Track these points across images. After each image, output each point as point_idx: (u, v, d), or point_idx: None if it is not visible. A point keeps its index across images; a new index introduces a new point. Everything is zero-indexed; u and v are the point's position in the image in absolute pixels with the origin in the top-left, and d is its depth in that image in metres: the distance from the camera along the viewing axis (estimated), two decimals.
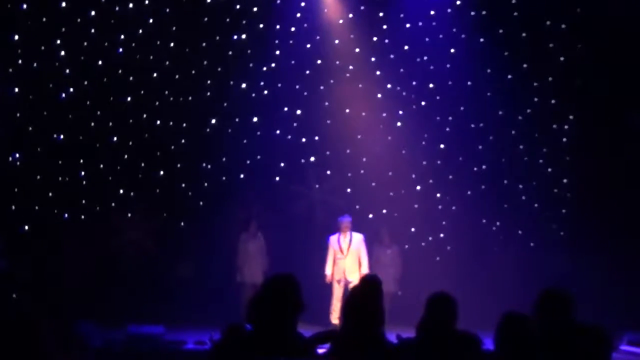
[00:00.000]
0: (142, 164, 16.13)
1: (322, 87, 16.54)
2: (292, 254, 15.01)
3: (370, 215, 16.04)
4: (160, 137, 16.10)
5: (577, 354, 5.20)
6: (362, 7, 16.47)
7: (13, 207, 14.82)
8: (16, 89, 14.87)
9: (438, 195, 16.66)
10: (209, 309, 14.53)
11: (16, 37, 14.86)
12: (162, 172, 16.18)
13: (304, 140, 16.66)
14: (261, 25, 16.34)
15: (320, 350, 5.50)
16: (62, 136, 15.55)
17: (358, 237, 14.00)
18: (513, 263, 15.80)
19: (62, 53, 15.44)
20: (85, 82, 15.67)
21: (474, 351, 5.49)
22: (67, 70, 15.51)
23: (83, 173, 15.73)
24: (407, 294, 15.01)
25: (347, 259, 13.88)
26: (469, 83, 16.41)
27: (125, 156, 15.97)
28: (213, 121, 16.41)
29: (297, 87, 16.50)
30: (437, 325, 5.62)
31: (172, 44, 16.05)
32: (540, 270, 15.10)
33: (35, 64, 15.15)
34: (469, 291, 13.22)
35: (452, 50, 16.43)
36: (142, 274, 15.39)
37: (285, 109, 16.55)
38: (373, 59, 16.58)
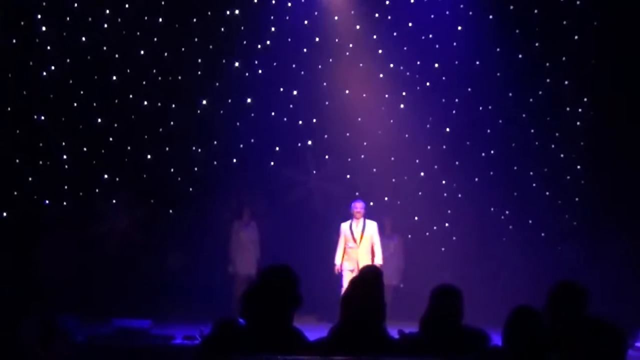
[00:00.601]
0: (128, 147, 16.13)
1: (320, 67, 16.48)
2: (288, 243, 15.00)
3: (371, 203, 15.89)
4: (148, 118, 16.10)
5: (590, 351, 5.20)
6: None
7: None
8: None
9: (443, 182, 16.66)
10: (199, 302, 14.56)
11: None
12: (149, 156, 16.19)
13: (300, 122, 16.66)
14: (255, 0, 16.31)
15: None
16: (42, 117, 15.53)
17: (372, 225, 13.59)
18: (523, 254, 15.81)
19: (43, 28, 15.40)
20: (68, 60, 15.64)
21: (480, 347, 5.47)
22: (48, 47, 15.47)
23: (65, 157, 15.73)
24: (410, 286, 15.06)
25: (361, 248, 13.43)
26: (477, 63, 16.37)
27: (110, 139, 15.96)
28: (204, 102, 16.40)
29: (294, 66, 16.45)
30: (441, 320, 5.62)
31: (160, 20, 16.02)
32: (552, 262, 15.15)
33: (14, 40, 15.11)
34: (476, 284, 13.29)
35: (460, 28, 16.39)
36: (128, 265, 15.39)
37: (281, 89, 16.52)
38: (375, 37, 16.53)
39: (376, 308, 5.52)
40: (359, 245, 13.41)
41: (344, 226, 13.58)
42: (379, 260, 13.29)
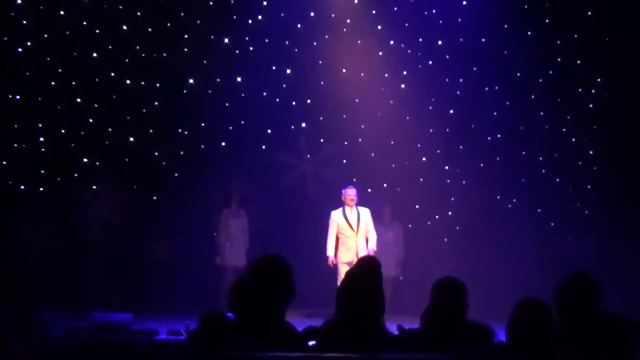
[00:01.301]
0: (109, 129, 16.10)
1: (315, 44, 16.46)
2: (279, 233, 15.00)
3: (369, 190, 15.97)
4: (131, 98, 16.05)
5: (602, 347, 5.20)
6: None
7: None
8: None
9: (447, 167, 16.70)
10: (184, 295, 14.59)
11: None
12: (132, 139, 16.16)
13: (294, 103, 16.68)
14: None
15: (312, 343, 5.46)
16: (18, 96, 15.48)
17: (366, 212, 13.39)
18: (531, 245, 15.84)
19: (18, 1, 15.33)
20: (45, 35, 15.58)
21: (485, 343, 5.47)
22: (24, 22, 15.40)
23: (42, 139, 15.69)
24: (410, 279, 15.12)
25: (359, 237, 13.21)
26: (483, 40, 16.32)
27: (90, 120, 15.92)
28: (191, 81, 16.37)
29: (287, 43, 16.42)
30: (444, 315, 5.61)
31: None
32: (562, 253, 15.19)
33: None
34: (481, 276, 13.29)
35: (464, 2, 16.37)
36: (108, 255, 15.40)
37: (273, 67, 16.51)
38: (374, 12, 16.50)
39: (374, 301, 5.49)
40: (357, 234, 13.18)
41: (336, 215, 13.30)
42: (372, 246, 13.19)
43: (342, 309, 5.46)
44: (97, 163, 15.97)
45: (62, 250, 15.21)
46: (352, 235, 13.18)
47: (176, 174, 16.34)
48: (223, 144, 16.47)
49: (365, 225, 13.27)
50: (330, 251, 13.25)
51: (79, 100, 15.81)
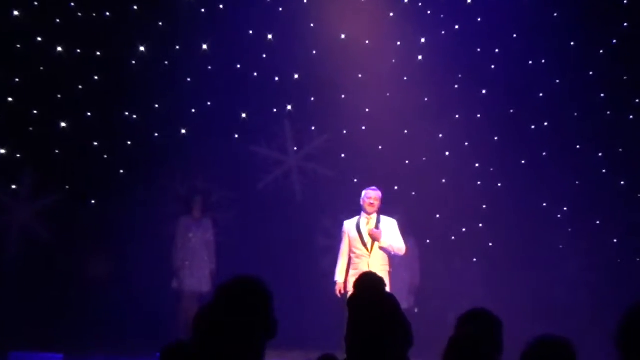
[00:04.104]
0: (35, 111, 16.07)
1: (305, 1, 16.47)
2: (256, 249, 15.03)
3: None
4: (63, 71, 16.00)
5: None
6: None
7: None
8: None
9: (477, 165, 16.68)
10: (129, 329, 14.61)
11: None
12: (63, 124, 16.14)
13: (277, 79, 16.71)
14: None
15: None
16: None
17: (391, 225, 12.88)
18: (585, 268, 15.86)
19: None
20: None
21: None
22: None
23: None
24: (428, 311, 15.08)
25: (373, 258, 12.62)
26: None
27: (9, 99, 15.89)
28: (141, 49, 16.38)
29: None
30: (471, 357, 5.59)
31: None
32: (628, 279, 15.16)
33: None
34: (520, 307, 13.30)
35: None
36: (31, 274, 15.35)
37: (250, 32, 16.53)
38: None
39: (392, 335, 5.47)
40: (370, 253, 12.64)
41: (349, 225, 12.88)
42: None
43: (351, 352, 5.44)
44: (18, 155, 15.95)
45: None
46: (364, 254, 12.65)
47: (121, 171, 16.34)
48: (183, 131, 16.50)
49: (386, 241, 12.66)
50: (339, 275, 12.76)
51: None
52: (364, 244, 12.57)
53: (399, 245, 12.61)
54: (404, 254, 13.51)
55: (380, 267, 12.22)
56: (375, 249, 12.53)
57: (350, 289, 12.06)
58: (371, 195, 12.74)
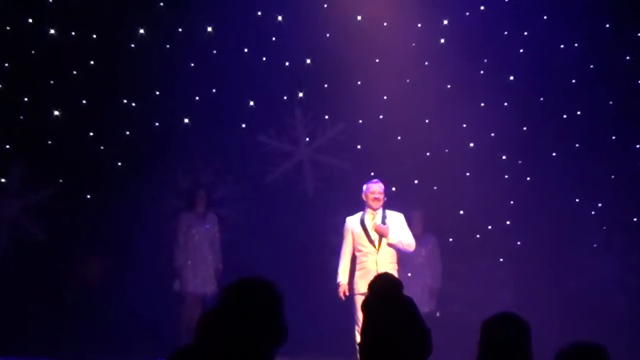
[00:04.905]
0: (25, 99, 16.06)
1: None
2: (264, 248, 15.02)
3: (393, 189, 15.91)
4: (54, 54, 16.02)
5: None
6: None
7: None
8: None
9: (504, 157, 16.63)
10: (129, 334, 14.61)
11: None
12: (56, 113, 16.13)
13: (287, 64, 16.69)
14: None
15: None
16: None
17: (398, 219, 12.79)
18: (622, 269, 15.84)
19: None
20: None
21: None
22: None
23: None
24: (450, 315, 15.05)
25: (381, 255, 12.55)
26: None
27: None
28: (141, 31, 16.39)
29: None
30: None
31: None
32: None
33: None
34: (550, 311, 13.26)
35: None
36: (22, 275, 15.37)
37: (259, 13, 16.52)
38: None
39: (411, 343, 5.41)
40: (378, 250, 12.49)
41: (352, 222, 12.74)
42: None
43: None
44: (7, 146, 15.96)
45: None
46: (371, 252, 12.49)
47: (119, 163, 16.36)
48: (186, 120, 16.48)
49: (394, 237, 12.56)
50: (342, 276, 12.57)
51: None
52: (371, 241, 12.46)
53: (408, 240, 12.55)
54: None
55: (389, 264, 12.31)
56: (383, 246, 12.42)
57: (355, 290, 12.28)
58: (374, 189, 12.63)
